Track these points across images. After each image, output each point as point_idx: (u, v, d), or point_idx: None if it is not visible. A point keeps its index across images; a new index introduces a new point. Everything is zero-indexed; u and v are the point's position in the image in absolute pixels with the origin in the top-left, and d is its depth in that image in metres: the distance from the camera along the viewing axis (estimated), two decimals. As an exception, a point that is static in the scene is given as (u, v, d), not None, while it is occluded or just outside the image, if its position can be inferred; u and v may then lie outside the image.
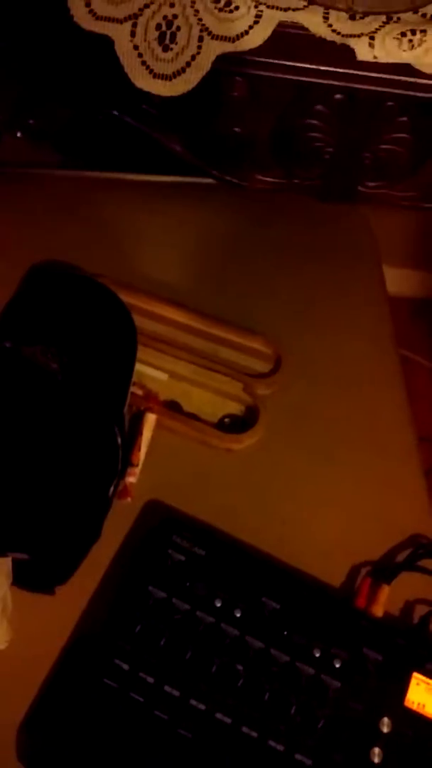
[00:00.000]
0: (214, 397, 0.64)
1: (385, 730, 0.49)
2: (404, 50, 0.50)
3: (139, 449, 0.60)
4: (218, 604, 0.52)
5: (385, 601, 0.54)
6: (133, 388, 0.61)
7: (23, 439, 0.56)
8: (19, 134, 0.63)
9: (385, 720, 0.49)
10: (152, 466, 0.60)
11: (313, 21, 0.49)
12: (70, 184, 0.75)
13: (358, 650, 0.52)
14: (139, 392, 0.63)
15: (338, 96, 0.53)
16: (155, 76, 0.49)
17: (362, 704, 0.50)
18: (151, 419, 0.61)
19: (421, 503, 0.61)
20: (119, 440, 0.57)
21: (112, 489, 0.56)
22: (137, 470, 0.59)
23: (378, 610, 0.54)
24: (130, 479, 0.59)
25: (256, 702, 0.50)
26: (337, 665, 0.51)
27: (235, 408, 0.64)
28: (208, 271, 0.72)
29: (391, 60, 0.51)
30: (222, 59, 0.49)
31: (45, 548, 0.54)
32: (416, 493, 0.62)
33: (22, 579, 0.53)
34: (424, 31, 0.50)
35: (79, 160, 0.74)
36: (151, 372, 0.64)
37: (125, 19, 0.48)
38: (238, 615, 0.52)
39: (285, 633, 0.52)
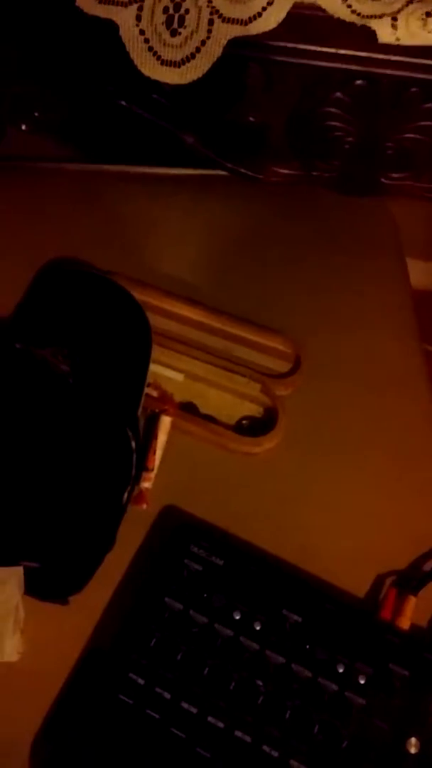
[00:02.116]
0: (231, 398, 0.63)
1: (413, 750, 0.47)
2: (429, 31, 0.47)
3: (154, 453, 0.58)
4: (237, 617, 0.50)
5: (411, 613, 0.52)
6: (147, 390, 0.60)
7: (34, 443, 0.55)
8: (24, 127, 0.61)
9: (413, 740, 0.47)
10: (168, 470, 0.58)
11: (331, 1, 0.46)
12: (80, 178, 0.73)
13: (384, 665, 0.49)
14: (154, 394, 0.61)
15: (359, 82, 0.50)
16: (163, 62, 0.46)
17: (388, 723, 0.48)
18: (166, 422, 0.60)
19: (448, 509, 0.59)
20: (133, 444, 0.56)
21: (126, 495, 0.55)
22: (152, 475, 0.58)
23: (404, 623, 0.52)
24: (145, 485, 0.57)
25: (277, 720, 0.48)
26: (362, 681, 0.49)
27: (253, 410, 0.62)
28: (224, 267, 0.70)
29: (415, 42, 0.48)
30: (234, 43, 0.47)
31: (57, 557, 0.53)
32: (443, 498, 0.59)
33: (34, 588, 0.52)
34: (450, 11, 0.47)
35: (87, 153, 0.72)
36: (167, 372, 0.63)
37: (130, 2, 0.45)
38: (258, 628, 0.50)
39: (307, 647, 0.50)
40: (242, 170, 0.57)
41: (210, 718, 0.48)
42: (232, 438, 0.60)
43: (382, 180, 0.57)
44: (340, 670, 0.49)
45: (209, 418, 0.61)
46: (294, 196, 0.68)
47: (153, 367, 0.60)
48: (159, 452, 0.59)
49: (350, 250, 0.71)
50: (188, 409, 0.62)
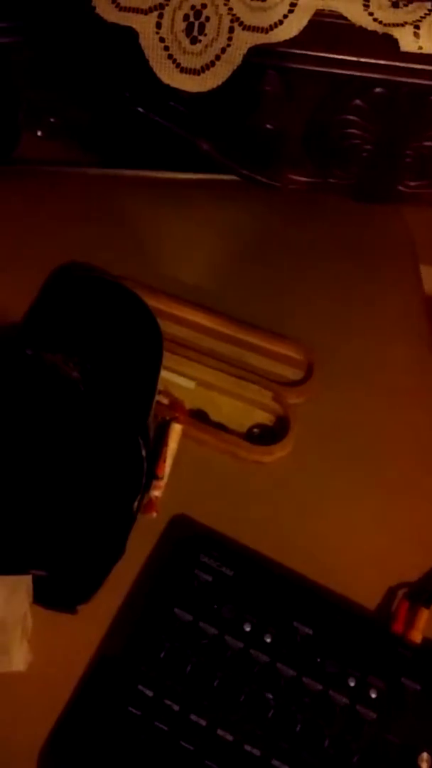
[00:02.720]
0: (242, 406, 0.62)
1: (425, 766, 0.47)
2: (452, 40, 0.47)
3: (165, 461, 0.58)
4: (247, 629, 0.50)
5: (423, 626, 0.52)
6: (158, 397, 0.59)
7: (43, 451, 0.54)
8: (39, 133, 0.60)
9: (425, 756, 0.47)
10: (178, 479, 0.57)
11: (352, 9, 0.45)
12: (92, 183, 0.73)
13: (396, 679, 0.49)
14: (165, 401, 0.60)
15: (378, 90, 0.50)
16: (182, 70, 0.46)
17: (400, 738, 0.47)
18: (177, 429, 0.59)
19: (462, 520, 0.58)
20: (144, 452, 0.55)
21: (136, 503, 0.54)
22: (162, 483, 0.57)
23: (416, 636, 0.52)
24: (155, 493, 0.56)
25: (287, 733, 0.47)
26: (373, 695, 0.48)
27: (264, 418, 0.62)
28: (236, 273, 0.70)
29: (438, 51, 0.47)
30: (254, 51, 0.46)
31: (66, 565, 0.53)
32: (457, 509, 0.59)
33: (43, 597, 0.52)
34: (473, 19, 0.46)
35: (100, 157, 0.72)
36: (178, 379, 0.62)
37: (150, 10, 0.45)
38: (269, 640, 0.50)
39: (318, 660, 0.49)
40: (259, 178, 0.57)
41: (219, 731, 0.47)
42: (243, 446, 0.59)
43: (400, 188, 0.56)
44: (352, 684, 0.49)
45: (220, 426, 0.61)
46: (307, 202, 0.68)
47: (164, 374, 0.60)
48: (169, 460, 0.58)
49: (364, 257, 0.70)
50: (199, 416, 0.61)
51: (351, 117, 0.51)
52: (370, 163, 0.54)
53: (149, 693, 0.48)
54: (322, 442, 0.61)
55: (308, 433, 0.60)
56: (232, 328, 0.65)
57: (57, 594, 0.52)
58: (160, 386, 0.59)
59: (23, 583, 0.51)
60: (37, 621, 0.51)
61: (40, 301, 0.64)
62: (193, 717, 0.47)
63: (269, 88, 0.51)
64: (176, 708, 0.48)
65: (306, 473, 0.59)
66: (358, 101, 0.50)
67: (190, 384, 0.62)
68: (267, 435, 0.61)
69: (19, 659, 0.50)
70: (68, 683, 0.50)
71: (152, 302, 0.63)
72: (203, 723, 0.47)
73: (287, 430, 0.60)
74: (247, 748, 0.47)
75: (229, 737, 0.47)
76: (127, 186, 0.73)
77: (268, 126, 0.53)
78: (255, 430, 0.62)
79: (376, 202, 0.59)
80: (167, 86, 0.47)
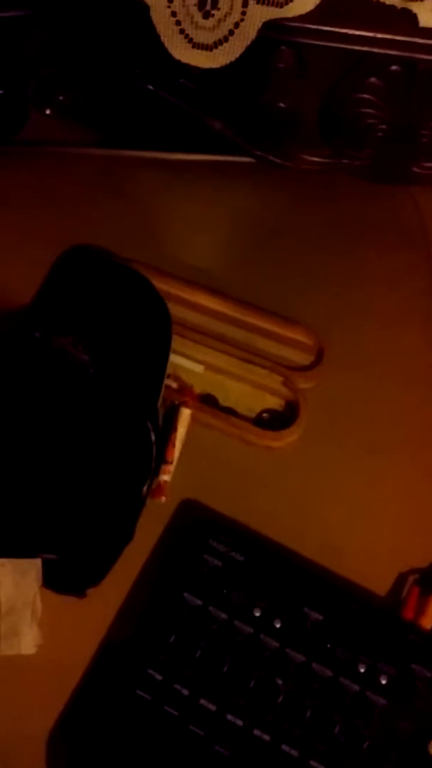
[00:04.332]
0: (252, 390, 0.61)
1: (435, 752, 0.46)
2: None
3: (174, 446, 0.57)
4: (257, 614, 0.50)
5: (434, 613, 0.51)
6: (167, 381, 0.59)
7: (53, 434, 0.54)
8: (48, 111, 0.59)
9: (435, 742, 0.47)
10: (187, 463, 0.57)
11: (370, -17, 0.44)
12: (101, 164, 0.72)
13: (406, 666, 0.49)
14: (174, 385, 0.60)
15: (394, 67, 0.48)
16: (195, 45, 0.45)
17: (410, 724, 0.47)
18: (186, 414, 0.59)
19: (473, 506, 0.58)
20: (153, 436, 0.55)
21: (145, 488, 0.54)
22: (171, 468, 0.57)
23: (427, 623, 0.51)
24: (164, 477, 0.56)
25: (297, 719, 0.47)
26: (384, 682, 0.48)
27: (274, 402, 0.61)
28: (246, 256, 0.69)
29: (459, 27, 0.46)
30: (267, 26, 0.45)
31: (76, 549, 0.52)
32: (468, 495, 0.58)
33: (52, 581, 0.52)
34: None
35: (109, 137, 0.71)
36: (187, 364, 0.61)
37: (162, -17, 0.44)
38: (278, 626, 0.49)
39: (328, 646, 0.49)
40: (271, 158, 0.56)
41: (229, 716, 0.47)
42: (252, 431, 0.59)
43: (414, 169, 0.55)
44: (362, 670, 0.48)
45: (229, 411, 0.60)
46: (318, 184, 0.67)
47: (173, 358, 0.59)
48: (178, 445, 0.58)
49: (375, 241, 0.69)
50: (208, 401, 0.61)
51: (366, 96, 0.50)
52: (384, 143, 0.53)
53: (159, 677, 0.48)
54: (332, 428, 0.60)
55: (318, 418, 0.60)
56: (242, 311, 0.64)
57: (66, 578, 0.52)
58: (169, 370, 0.59)
59: (33, 566, 0.51)
60: (46, 605, 0.51)
61: (49, 283, 0.63)
62: (202, 702, 0.47)
63: (282, 65, 0.50)
64: (185, 693, 0.47)
65: (316, 459, 0.59)
66: (373, 79, 0.49)
67: (199, 368, 0.62)
68: (276, 420, 0.61)
69: (29, 642, 0.50)
70: (77, 667, 0.49)
71: (161, 285, 0.62)
72: (213, 708, 0.47)
73: (297, 415, 0.59)
74: (257, 733, 0.47)
75: (239, 722, 0.47)
76: (136, 167, 0.72)
77: (281, 104, 0.52)
78: (264, 414, 0.61)
79: (391, 183, 0.58)
80: (178, 63, 0.46)
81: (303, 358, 0.63)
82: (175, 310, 0.61)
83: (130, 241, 0.66)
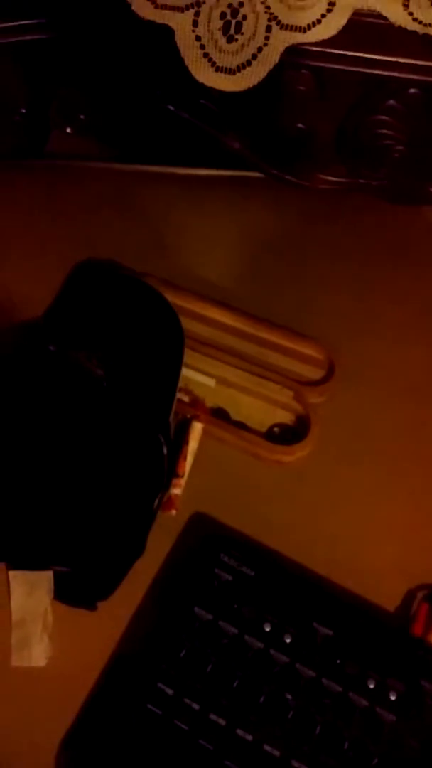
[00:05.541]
0: (263, 404, 0.62)
1: (444, 770, 0.47)
2: None
3: (185, 459, 0.58)
4: (267, 629, 0.50)
5: (443, 630, 0.52)
6: (179, 395, 0.59)
7: (65, 447, 0.54)
8: (69, 130, 0.60)
9: (444, 759, 0.47)
10: (198, 477, 0.57)
11: (392, 9, 0.44)
12: (116, 178, 0.72)
13: (416, 682, 0.49)
14: (186, 399, 0.60)
15: (413, 90, 0.49)
16: (218, 69, 0.45)
17: (419, 741, 0.47)
18: (197, 428, 0.59)
19: None
20: (165, 450, 0.55)
21: (156, 501, 0.54)
22: (183, 481, 0.57)
23: (436, 639, 0.51)
24: (175, 491, 0.56)
25: (307, 734, 0.47)
26: (393, 698, 0.48)
27: (285, 417, 0.62)
28: (259, 271, 0.69)
29: None
30: (289, 50, 0.45)
31: (87, 562, 0.53)
32: None
33: (63, 593, 0.52)
34: None
35: (123, 153, 0.71)
36: (199, 377, 0.62)
37: (187, 8, 0.44)
38: (288, 641, 0.50)
39: (338, 661, 0.49)
40: (288, 177, 0.56)
41: (239, 731, 0.47)
42: (263, 445, 0.59)
43: (431, 189, 0.55)
44: (371, 686, 0.49)
45: (240, 425, 0.61)
46: (331, 201, 0.67)
47: (185, 372, 0.60)
48: (190, 458, 0.58)
49: (387, 257, 0.70)
50: (219, 415, 0.61)
51: (384, 117, 0.50)
52: (401, 164, 0.53)
53: (169, 691, 0.48)
54: (342, 442, 0.60)
55: (329, 432, 0.60)
56: (254, 326, 0.65)
57: (77, 590, 0.52)
58: (181, 384, 0.59)
59: (45, 578, 0.51)
60: (57, 617, 0.51)
61: (63, 295, 0.63)
62: (212, 716, 0.47)
63: (302, 88, 0.50)
64: (196, 707, 0.48)
65: (326, 473, 0.59)
66: (392, 102, 0.50)
67: (211, 382, 0.62)
68: (287, 434, 0.61)
69: (39, 654, 0.50)
70: (87, 679, 0.50)
71: (174, 299, 0.62)
72: (223, 722, 0.47)
73: (308, 429, 0.60)
74: (267, 748, 0.47)
75: (249, 737, 0.47)
76: (151, 182, 0.72)
77: (299, 125, 0.53)
78: (275, 429, 0.61)
79: (407, 203, 0.58)
80: (198, 84, 0.47)
81: (314, 373, 0.63)
82: (188, 324, 0.62)
83: (144, 255, 0.66)
